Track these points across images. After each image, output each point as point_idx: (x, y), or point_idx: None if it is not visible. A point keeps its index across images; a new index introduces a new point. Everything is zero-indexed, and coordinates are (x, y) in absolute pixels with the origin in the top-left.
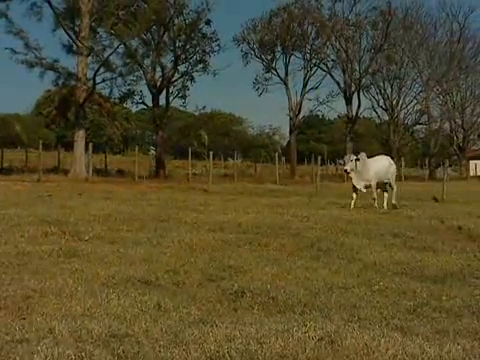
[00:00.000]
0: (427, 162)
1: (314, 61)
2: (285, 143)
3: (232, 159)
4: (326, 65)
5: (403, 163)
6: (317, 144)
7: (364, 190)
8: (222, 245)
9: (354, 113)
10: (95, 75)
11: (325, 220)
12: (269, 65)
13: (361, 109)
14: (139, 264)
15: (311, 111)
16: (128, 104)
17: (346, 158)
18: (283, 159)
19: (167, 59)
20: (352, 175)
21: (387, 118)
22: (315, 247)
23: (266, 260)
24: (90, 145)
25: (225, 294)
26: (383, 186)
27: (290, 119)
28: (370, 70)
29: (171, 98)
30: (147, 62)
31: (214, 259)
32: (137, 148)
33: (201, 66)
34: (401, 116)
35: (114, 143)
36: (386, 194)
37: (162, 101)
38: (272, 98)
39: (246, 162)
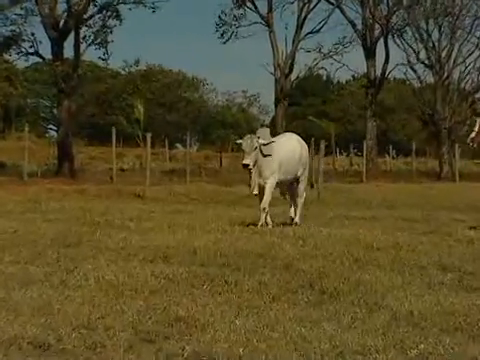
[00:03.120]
0: None
1: None
2: (268, 120)
3: (183, 146)
4: None
5: (457, 153)
6: (320, 121)
7: (255, 192)
8: (166, 285)
9: (379, 72)
10: None
11: (331, 243)
12: None
13: (390, 66)
14: (31, 316)
15: (310, 69)
16: (10, 55)
17: (245, 141)
18: None
19: None
20: (253, 171)
21: (432, 80)
22: (316, 287)
23: (237, 308)
24: None
25: None
26: (291, 188)
27: (276, 82)
28: (405, 1)
29: (83, 47)
30: None
31: (153, 307)
32: (27, 127)
33: None
34: (455, 77)
35: None
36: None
37: (68, 52)
38: (247, 48)
39: (205, 150)
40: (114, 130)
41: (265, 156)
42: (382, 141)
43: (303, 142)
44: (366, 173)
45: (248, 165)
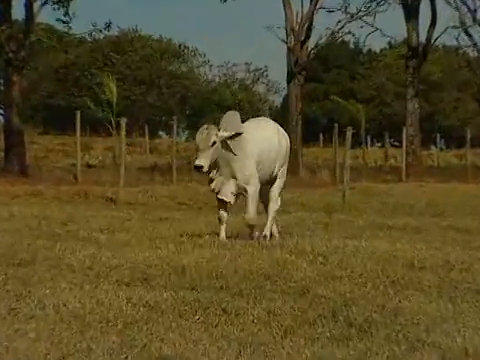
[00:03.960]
0: None
1: None
2: (279, 101)
3: (168, 134)
4: None
5: None
6: (346, 103)
7: (232, 200)
8: (147, 314)
9: (423, 38)
10: None
11: (361, 261)
12: None
13: (437, 30)
14: None
15: (333, 35)
16: None
17: (200, 134)
18: None
19: None
20: (213, 175)
21: None
22: (341, 318)
23: (239, 346)
24: None
25: None
26: (267, 189)
27: (289, 51)
28: None
29: (38, 5)
30: None
31: (130, 344)
32: None
33: None
34: None
35: None
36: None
37: (17, 12)
38: (251, 9)
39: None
40: (79, 114)
41: (236, 154)
42: (427, 128)
43: (282, 130)
44: (406, 169)
45: (201, 167)
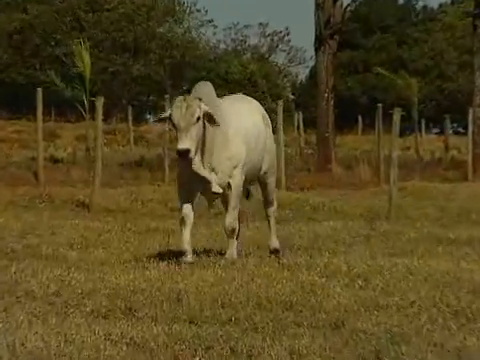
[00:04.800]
0: None
1: None
2: (304, 74)
3: (157, 118)
4: None
5: None
6: (393, 76)
7: (218, 191)
8: (131, 355)
9: None
10: None
11: (413, 285)
12: None
13: None
14: None
15: None
16: None
17: (177, 108)
18: (300, 118)
19: None
20: (196, 165)
21: None
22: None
23: None
24: None
25: None
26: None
27: (318, 8)
28: None
29: None
30: None
31: None
32: None
33: None
34: None
35: None
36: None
37: None
38: None
39: None
40: (40, 93)
41: (216, 134)
42: None
43: (265, 112)
44: (473, 164)
45: (188, 151)
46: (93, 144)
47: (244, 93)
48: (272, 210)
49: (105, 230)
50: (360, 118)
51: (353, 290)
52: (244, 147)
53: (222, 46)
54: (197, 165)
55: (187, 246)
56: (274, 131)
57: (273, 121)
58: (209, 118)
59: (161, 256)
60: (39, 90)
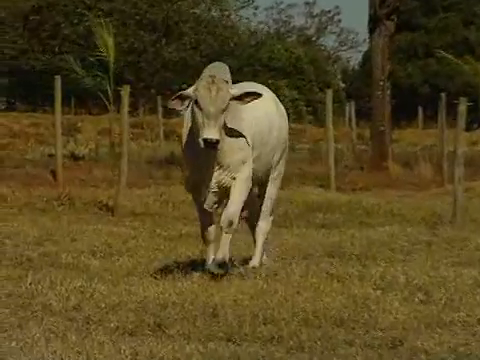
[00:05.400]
0: None
1: None
2: (356, 60)
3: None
4: None
5: None
6: (458, 61)
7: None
8: None
9: None
10: None
11: None
12: None
13: None
14: None
15: None
16: None
17: (206, 89)
18: (351, 109)
19: None
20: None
21: None
22: None
23: None
24: None
25: None
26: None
27: None
28: None
29: None
30: None
31: None
32: None
33: None
34: None
35: None
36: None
37: None
38: None
39: None
40: (59, 81)
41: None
42: None
43: (280, 103)
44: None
45: (217, 143)
46: (118, 139)
47: (289, 81)
48: (264, 227)
49: (131, 236)
50: (420, 109)
51: (412, 304)
52: (254, 141)
53: (264, 28)
54: (220, 156)
55: (212, 261)
56: (322, 124)
57: (321, 113)
58: (246, 96)
59: (194, 265)
60: (57, 78)
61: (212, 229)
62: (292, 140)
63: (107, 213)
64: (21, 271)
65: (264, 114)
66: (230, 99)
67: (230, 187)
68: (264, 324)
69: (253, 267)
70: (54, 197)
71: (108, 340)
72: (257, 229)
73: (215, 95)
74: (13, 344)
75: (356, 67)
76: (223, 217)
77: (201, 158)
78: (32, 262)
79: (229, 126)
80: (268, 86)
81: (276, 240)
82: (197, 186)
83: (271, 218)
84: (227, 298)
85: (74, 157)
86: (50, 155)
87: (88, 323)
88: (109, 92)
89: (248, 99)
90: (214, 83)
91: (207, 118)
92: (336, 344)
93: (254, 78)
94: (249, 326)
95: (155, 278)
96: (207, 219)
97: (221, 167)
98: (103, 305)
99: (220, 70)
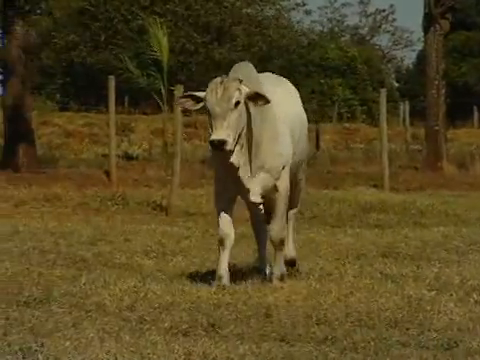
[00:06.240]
0: None
1: None
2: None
3: None
4: None
5: None
6: None
7: (257, 201)
8: None
9: None
10: None
11: None
12: None
13: None
14: None
15: None
16: None
17: (213, 90)
18: (405, 108)
19: None
20: (235, 159)
21: None
22: None
23: None
24: None
25: None
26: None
27: None
28: None
29: None
30: None
31: None
32: None
33: None
34: None
35: None
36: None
37: None
38: None
39: None
40: (113, 81)
41: (264, 124)
42: None
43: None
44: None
45: (224, 143)
46: (171, 139)
47: (343, 80)
48: (294, 212)
49: (185, 236)
50: (475, 109)
51: (468, 305)
52: (291, 141)
53: (317, 28)
54: (236, 159)
55: (223, 272)
56: (376, 123)
57: (375, 112)
58: (256, 98)
59: (248, 266)
60: (111, 78)
61: (231, 236)
62: (346, 139)
63: (160, 213)
64: (75, 271)
65: (295, 111)
66: (246, 98)
67: (271, 198)
68: (317, 324)
69: (292, 260)
70: (108, 197)
71: (162, 340)
72: (287, 225)
73: (221, 95)
74: (68, 343)
75: (410, 66)
76: (273, 237)
77: (227, 166)
78: (86, 262)
79: (266, 128)
80: (321, 85)
81: (330, 240)
82: (227, 195)
83: (296, 214)
84: (280, 298)
85: (128, 157)
86: (104, 155)
87: (142, 323)
88: (162, 92)
89: (261, 102)
90: (221, 83)
91: (214, 119)
92: (390, 345)
93: (307, 78)
94: (302, 326)
95: (208, 278)
96: (226, 223)
97: (264, 173)
98: (157, 305)
99: (244, 70)
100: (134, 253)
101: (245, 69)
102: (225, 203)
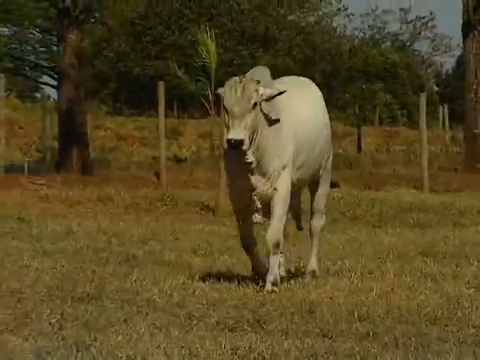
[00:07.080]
0: None
1: None
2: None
3: None
4: None
5: None
6: None
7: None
8: None
9: None
10: None
11: None
12: None
13: None
14: None
15: None
16: None
17: (231, 89)
18: (445, 112)
19: None
20: (250, 158)
21: None
22: None
23: None
24: None
25: None
26: (294, 199)
27: None
28: None
29: None
30: None
31: None
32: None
33: None
34: None
35: None
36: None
37: None
38: None
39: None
40: (162, 87)
41: (271, 124)
42: None
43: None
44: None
45: (241, 143)
46: (218, 142)
47: (384, 85)
48: (319, 225)
49: (231, 235)
50: None
51: None
52: (294, 143)
53: (359, 34)
54: (251, 159)
55: (261, 269)
56: (416, 126)
57: (415, 116)
58: (271, 101)
59: (292, 264)
60: (161, 84)
61: (252, 238)
62: (387, 142)
63: (208, 213)
64: (127, 268)
65: (313, 114)
66: (263, 100)
67: (271, 198)
68: (359, 321)
69: (313, 271)
70: (158, 198)
71: (209, 335)
72: (312, 228)
73: (240, 95)
74: (120, 338)
75: (449, 71)
76: (269, 239)
77: (237, 165)
78: (137, 260)
79: (270, 130)
80: (363, 90)
81: (371, 240)
82: (238, 195)
83: (323, 216)
84: (323, 295)
85: (177, 159)
86: (154, 158)
87: (190, 318)
88: (210, 96)
89: (273, 102)
90: (240, 82)
91: (232, 118)
92: (430, 341)
93: (350, 83)
94: (345, 323)
95: (254, 275)
96: (247, 229)
97: (260, 175)
98: (204, 301)
99: (260, 73)
100: (183, 251)
101: (260, 72)
102: (242, 211)
